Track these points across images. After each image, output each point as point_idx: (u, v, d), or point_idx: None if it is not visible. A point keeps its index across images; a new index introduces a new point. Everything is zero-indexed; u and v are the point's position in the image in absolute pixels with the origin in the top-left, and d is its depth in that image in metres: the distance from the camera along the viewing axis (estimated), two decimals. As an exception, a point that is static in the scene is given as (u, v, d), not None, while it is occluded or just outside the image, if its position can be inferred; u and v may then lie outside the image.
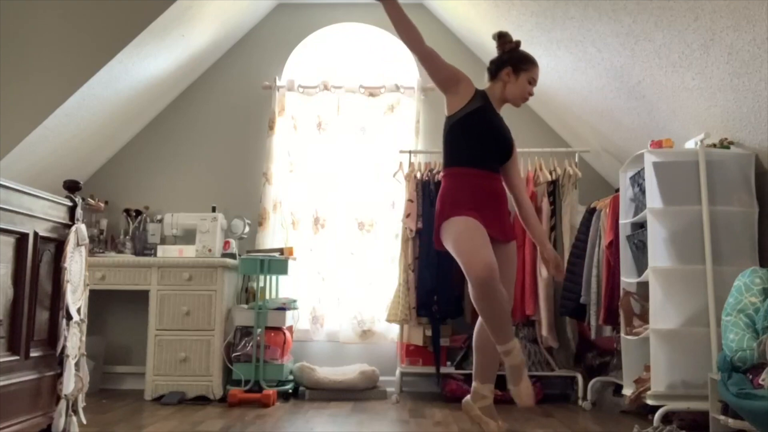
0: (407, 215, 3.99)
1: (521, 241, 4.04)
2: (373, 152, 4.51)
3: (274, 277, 4.18)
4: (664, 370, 2.97)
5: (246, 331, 3.93)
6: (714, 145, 3.10)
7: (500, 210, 2.70)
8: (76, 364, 2.57)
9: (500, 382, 3.89)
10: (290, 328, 4.15)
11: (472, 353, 2.77)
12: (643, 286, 3.23)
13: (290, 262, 4.07)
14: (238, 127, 4.65)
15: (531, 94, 2.79)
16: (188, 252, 4.07)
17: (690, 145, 3.19)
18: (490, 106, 2.76)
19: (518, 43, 2.83)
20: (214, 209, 4.26)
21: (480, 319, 2.57)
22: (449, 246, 2.57)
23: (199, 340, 3.82)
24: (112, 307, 4.36)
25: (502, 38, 2.82)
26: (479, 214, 2.56)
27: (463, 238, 2.49)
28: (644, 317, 3.21)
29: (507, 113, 4.54)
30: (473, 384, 2.72)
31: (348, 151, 4.52)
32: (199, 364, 3.80)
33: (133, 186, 4.56)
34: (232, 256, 4.09)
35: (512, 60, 2.77)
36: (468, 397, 2.73)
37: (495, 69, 2.79)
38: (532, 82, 2.77)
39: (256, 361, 3.82)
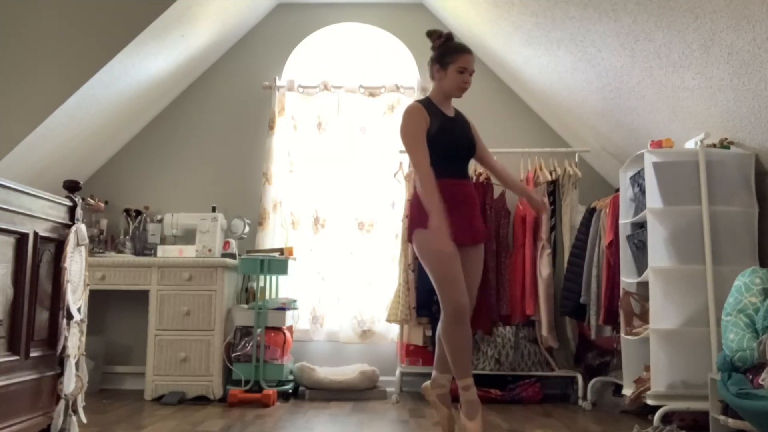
0: (407, 215, 3.99)
1: (521, 241, 4.04)
2: (373, 152, 4.51)
3: (274, 277, 4.18)
4: (664, 370, 2.97)
5: (246, 331, 3.93)
6: (714, 145, 3.10)
7: (471, 214, 2.79)
8: (76, 364, 2.57)
9: (500, 383, 3.91)
10: (290, 328, 4.15)
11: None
12: (643, 286, 3.23)
13: (290, 262, 4.07)
14: (238, 127, 4.65)
15: (467, 82, 2.77)
16: (188, 252, 4.07)
17: (690, 145, 3.19)
18: (443, 116, 2.78)
19: (447, 36, 2.81)
20: (214, 209, 4.26)
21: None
22: (426, 261, 2.68)
23: (199, 340, 3.82)
24: (112, 307, 4.36)
25: (430, 37, 2.83)
26: (453, 224, 2.61)
27: (444, 265, 2.62)
28: (644, 317, 3.21)
29: (506, 113, 4.59)
30: (433, 373, 2.88)
31: (348, 151, 4.52)
32: (199, 364, 3.80)
33: (133, 186, 4.56)
34: (232, 256, 4.09)
35: (437, 56, 2.78)
36: (428, 382, 2.91)
37: (430, 71, 2.83)
38: (463, 71, 2.74)
39: (256, 361, 3.82)
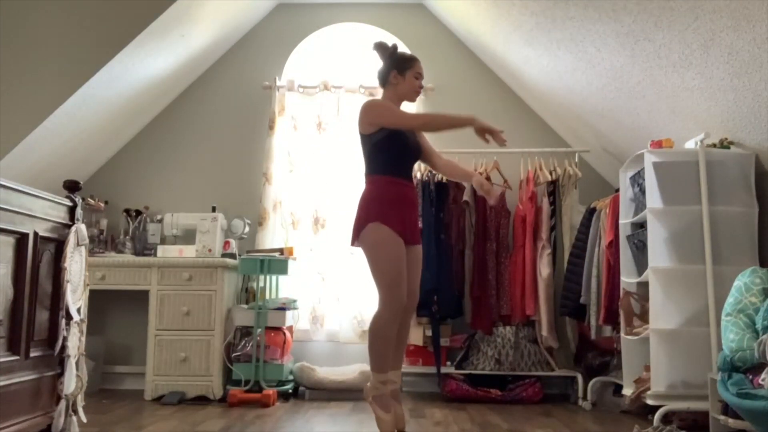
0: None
1: (521, 241, 4.04)
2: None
3: (274, 277, 4.18)
4: (664, 370, 2.98)
5: (246, 331, 3.93)
6: (714, 145, 3.10)
7: (414, 215, 2.97)
8: (76, 364, 2.57)
9: (500, 383, 3.91)
10: (290, 328, 4.15)
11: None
12: (643, 286, 3.23)
13: (290, 262, 4.07)
14: (238, 127, 4.64)
15: (421, 86, 3.00)
16: (188, 252, 4.07)
17: (690, 145, 3.19)
18: None
19: (395, 47, 3.03)
20: (214, 209, 4.26)
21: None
22: (373, 256, 2.81)
23: (199, 340, 3.82)
24: (112, 307, 4.36)
25: (380, 49, 3.02)
26: (400, 222, 2.81)
27: (392, 264, 2.76)
28: (644, 317, 3.21)
29: (506, 113, 4.59)
30: (372, 375, 2.91)
31: (348, 151, 4.52)
32: (199, 364, 3.80)
33: (133, 186, 4.56)
34: (232, 256, 4.09)
35: (394, 63, 2.97)
36: (368, 383, 2.94)
37: (383, 77, 3.00)
38: (418, 76, 2.97)
39: (256, 361, 3.82)
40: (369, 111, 2.88)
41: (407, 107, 3.04)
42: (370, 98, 3.02)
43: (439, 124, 2.92)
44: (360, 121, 2.90)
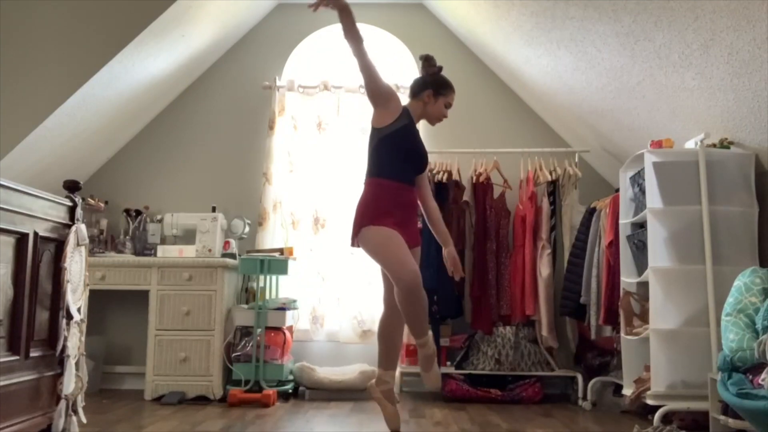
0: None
1: (521, 241, 4.04)
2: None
3: (274, 277, 4.18)
4: (664, 370, 2.98)
5: (246, 331, 3.93)
6: (714, 145, 3.10)
7: (413, 220, 2.95)
8: (76, 364, 2.57)
9: (500, 383, 3.91)
10: (290, 328, 4.15)
11: (380, 343, 2.96)
12: (643, 286, 3.23)
13: (290, 262, 4.07)
14: (238, 127, 4.64)
15: (445, 116, 3.01)
16: (188, 252, 4.07)
17: (690, 145, 3.19)
18: (413, 123, 2.94)
19: (440, 68, 3.03)
20: (214, 209, 4.26)
21: (385, 311, 2.92)
22: (372, 252, 2.80)
23: (199, 340, 3.82)
24: (112, 307, 4.36)
25: (428, 61, 3.02)
26: (398, 225, 2.79)
27: (390, 248, 2.73)
28: (644, 317, 3.21)
29: (506, 113, 4.59)
30: (377, 370, 2.95)
31: (348, 151, 4.52)
32: (199, 364, 3.80)
33: (133, 186, 4.56)
34: (232, 256, 4.09)
35: (434, 84, 2.97)
36: (372, 381, 2.97)
37: (418, 89, 2.99)
38: (448, 105, 2.99)
39: (256, 361, 3.82)
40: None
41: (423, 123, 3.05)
42: None
43: (363, 69, 2.85)
44: (373, 102, 2.90)
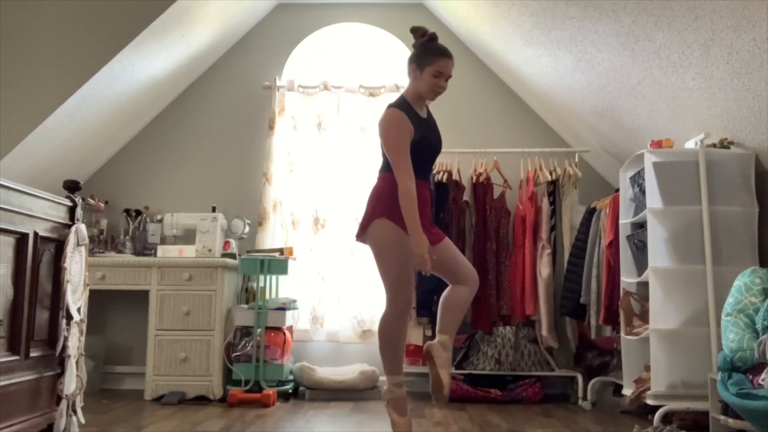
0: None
1: (521, 241, 4.04)
2: (373, 152, 4.50)
3: (274, 277, 4.18)
4: (664, 370, 2.97)
5: (246, 331, 3.93)
6: (714, 145, 3.10)
7: (427, 215, 2.74)
8: (76, 364, 2.57)
9: (500, 383, 3.91)
10: (290, 328, 4.15)
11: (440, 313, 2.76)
12: (643, 286, 3.23)
13: (290, 262, 4.07)
14: (238, 127, 4.64)
15: (441, 87, 2.70)
16: (188, 252, 4.07)
17: (690, 145, 3.19)
18: (419, 120, 2.72)
19: (430, 36, 2.74)
20: (214, 209, 4.26)
21: (451, 287, 2.72)
22: (377, 248, 2.66)
23: (199, 340, 3.82)
24: (112, 307, 4.36)
25: (414, 33, 2.75)
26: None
27: (397, 262, 2.62)
28: (644, 317, 3.21)
29: (506, 113, 4.59)
30: (438, 336, 2.70)
31: (348, 151, 4.52)
32: (199, 364, 3.80)
33: (133, 186, 4.56)
34: (232, 256, 4.09)
35: (415, 55, 2.72)
36: (434, 341, 2.69)
37: (407, 67, 2.75)
38: (439, 75, 2.67)
39: (256, 361, 3.82)
40: (385, 135, 2.67)
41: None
42: (392, 109, 2.69)
43: (407, 214, 2.56)
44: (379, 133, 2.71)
